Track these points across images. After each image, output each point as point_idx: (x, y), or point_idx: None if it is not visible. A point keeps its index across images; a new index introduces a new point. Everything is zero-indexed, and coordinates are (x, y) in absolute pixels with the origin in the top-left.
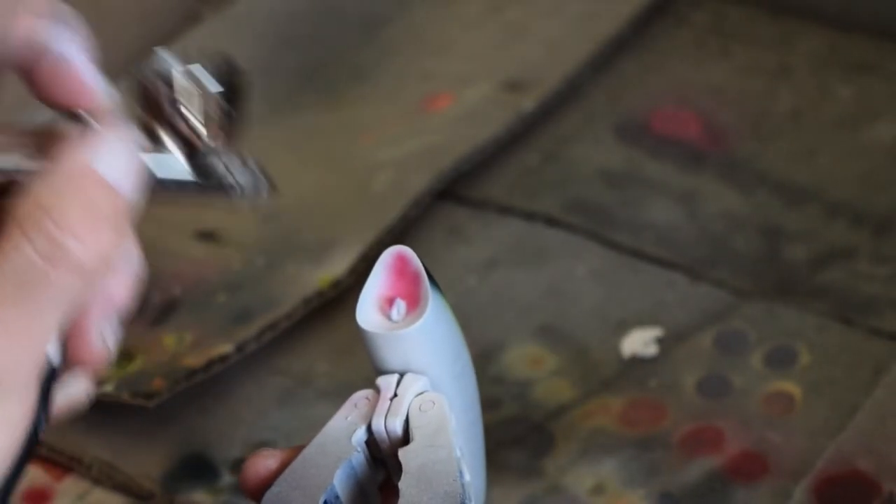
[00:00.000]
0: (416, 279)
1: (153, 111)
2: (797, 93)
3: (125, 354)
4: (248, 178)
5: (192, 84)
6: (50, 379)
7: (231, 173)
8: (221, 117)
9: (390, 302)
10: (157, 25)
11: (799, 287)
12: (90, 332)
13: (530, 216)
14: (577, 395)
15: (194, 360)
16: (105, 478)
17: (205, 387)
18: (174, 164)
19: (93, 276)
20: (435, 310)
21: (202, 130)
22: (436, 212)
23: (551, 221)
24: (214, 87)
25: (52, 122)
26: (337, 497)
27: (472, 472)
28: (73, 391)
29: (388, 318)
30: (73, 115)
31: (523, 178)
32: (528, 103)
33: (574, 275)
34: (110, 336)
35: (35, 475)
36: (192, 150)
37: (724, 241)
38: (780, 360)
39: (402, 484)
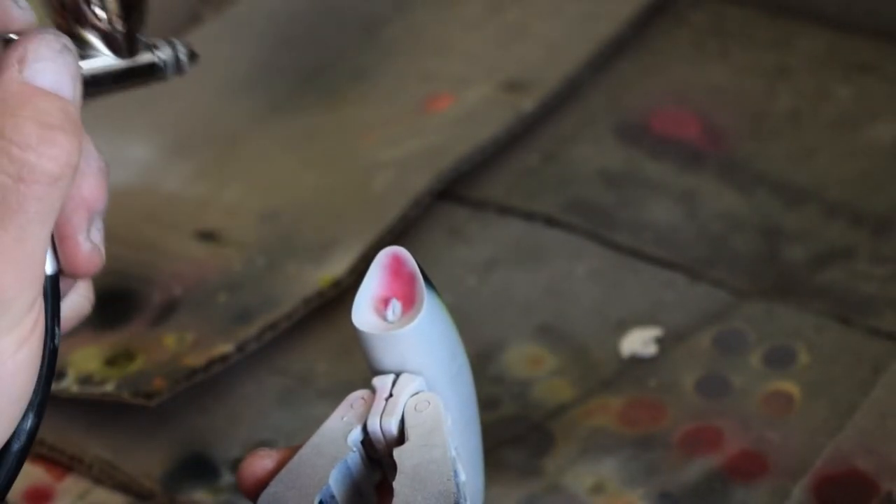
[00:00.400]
0: (411, 279)
1: (66, 14)
2: (796, 93)
3: (125, 354)
4: (169, 50)
5: None
6: (54, 291)
7: (152, 49)
8: (128, 3)
9: (386, 302)
10: (157, 25)
11: (798, 287)
12: (78, 237)
13: (530, 216)
14: (576, 395)
15: (195, 360)
16: (106, 477)
17: (205, 387)
18: (100, 57)
19: (64, 182)
20: (430, 310)
21: (116, 17)
22: (436, 212)
23: (551, 221)
24: None
25: None
26: (332, 497)
27: (469, 472)
28: (76, 300)
29: (384, 318)
30: (5, 41)
31: (523, 178)
32: (527, 103)
33: (574, 275)
34: (97, 236)
35: (36, 475)
36: (111, 40)
37: (723, 241)
38: (780, 359)
39: (397, 483)
